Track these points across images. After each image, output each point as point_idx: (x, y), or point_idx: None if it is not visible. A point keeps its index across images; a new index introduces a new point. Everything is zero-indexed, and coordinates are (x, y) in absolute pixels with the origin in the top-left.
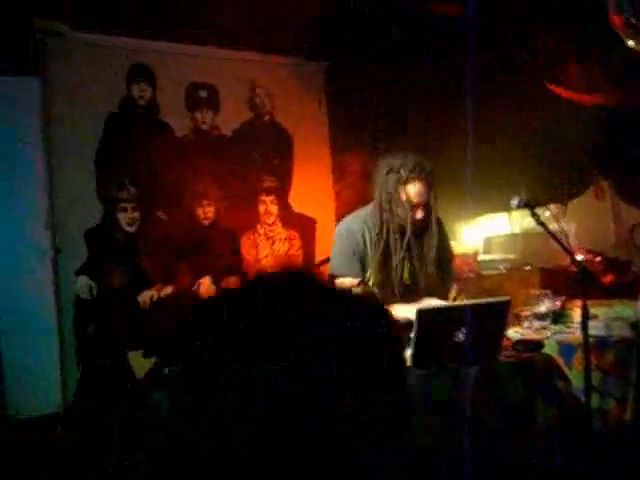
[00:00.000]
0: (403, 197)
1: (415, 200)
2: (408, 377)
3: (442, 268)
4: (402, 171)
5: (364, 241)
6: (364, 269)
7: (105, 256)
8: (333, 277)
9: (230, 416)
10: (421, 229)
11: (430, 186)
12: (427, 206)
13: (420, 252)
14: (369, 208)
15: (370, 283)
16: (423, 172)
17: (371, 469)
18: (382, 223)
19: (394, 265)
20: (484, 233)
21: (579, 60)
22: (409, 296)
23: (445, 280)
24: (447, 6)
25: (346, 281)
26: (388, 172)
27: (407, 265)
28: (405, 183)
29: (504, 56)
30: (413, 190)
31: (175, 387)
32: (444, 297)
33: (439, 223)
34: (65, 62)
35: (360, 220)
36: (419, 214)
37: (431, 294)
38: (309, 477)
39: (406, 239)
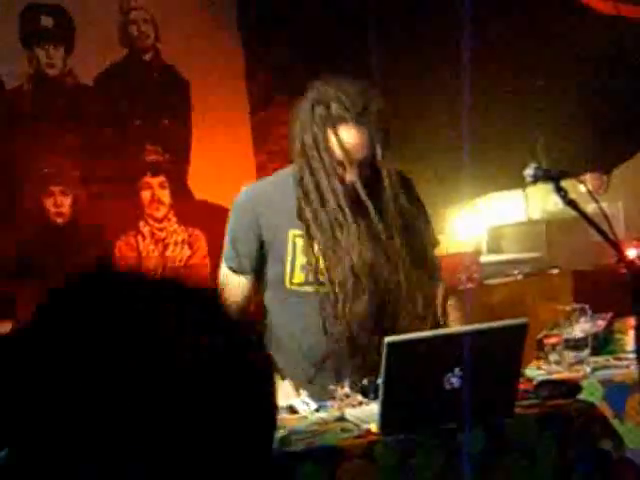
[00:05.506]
0: (333, 144)
1: (348, 152)
2: (374, 450)
3: (422, 258)
4: (333, 106)
5: (266, 219)
6: (261, 263)
7: None
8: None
9: None
10: (370, 189)
11: (375, 136)
12: (366, 164)
13: (371, 226)
14: (289, 170)
15: (287, 285)
16: (365, 114)
17: None
18: (306, 178)
19: (338, 248)
20: (488, 222)
21: None
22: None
23: (428, 281)
24: None
25: (232, 283)
26: (314, 105)
27: (357, 248)
28: (335, 125)
29: None
30: (346, 137)
31: None
32: (427, 310)
33: (404, 182)
34: None
35: (270, 185)
36: (350, 175)
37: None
38: None
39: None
